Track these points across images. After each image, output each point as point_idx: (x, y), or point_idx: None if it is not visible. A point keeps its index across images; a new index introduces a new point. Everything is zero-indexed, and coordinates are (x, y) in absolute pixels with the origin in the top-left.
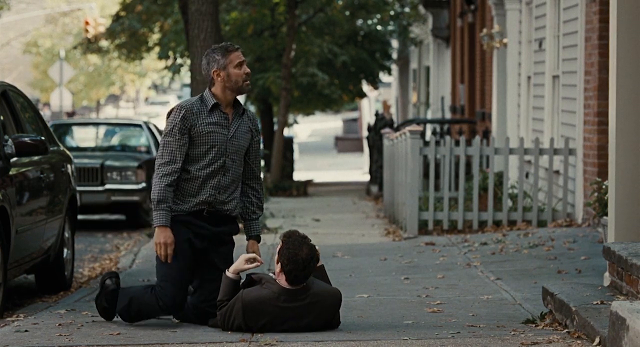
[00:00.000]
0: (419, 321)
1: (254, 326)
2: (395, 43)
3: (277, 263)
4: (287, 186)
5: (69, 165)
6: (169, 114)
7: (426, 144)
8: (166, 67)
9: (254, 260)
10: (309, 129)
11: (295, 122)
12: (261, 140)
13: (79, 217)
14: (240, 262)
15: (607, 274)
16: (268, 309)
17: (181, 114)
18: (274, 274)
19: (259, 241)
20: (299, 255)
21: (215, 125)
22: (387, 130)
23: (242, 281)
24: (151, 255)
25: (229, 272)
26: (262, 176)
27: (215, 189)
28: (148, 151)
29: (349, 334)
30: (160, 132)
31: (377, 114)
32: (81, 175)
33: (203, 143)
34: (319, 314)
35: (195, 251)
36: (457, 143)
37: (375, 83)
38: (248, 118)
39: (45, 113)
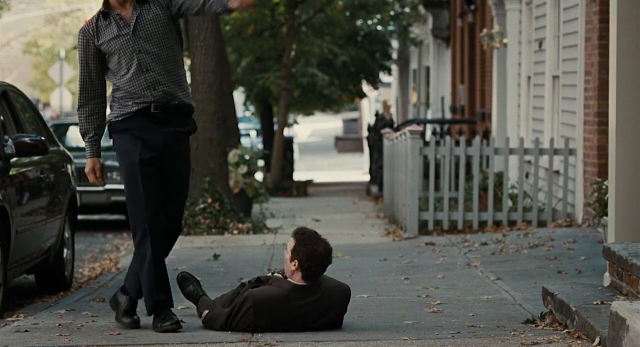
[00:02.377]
0: (419, 321)
1: (263, 325)
2: (395, 43)
3: (292, 261)
4: (287, 186)
5: (69, 166)
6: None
7: (426, 144)
8: None
9: None
10: (309, 129)
11: (295, 122)
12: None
13: (79, 217)
14: None
15: (607, 274)
16: (279, 306)
17: (82, 40)
18: (279, 274)
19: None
20: (317, 250)
21: (113, 31)
22: (387, 130)
23: (247, 280)
24: None
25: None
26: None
27: (148, 89)
28: None
29: (349, 334)
30: None
31: (377, 114)
32: (81, 175)
33: (111, 54)
34: (328, 308)
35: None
36: (457, 143)
37: (375, 83)
38: None
39: (46, 114)
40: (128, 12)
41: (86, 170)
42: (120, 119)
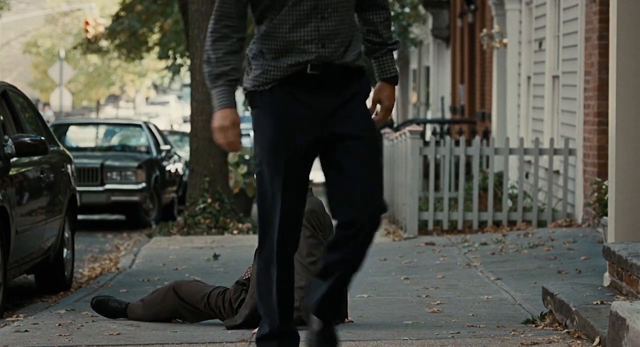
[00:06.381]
0: (419, 321)
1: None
2: None
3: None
4: None
5: (69, 165)
6: None
7: (426, 144)
8: (166, 67)
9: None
10: None
11: None
12: None
13: (79, 217)
14: None
15: (607, 274)
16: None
17: None
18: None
19: (395, 83)
20: None
21: None
22: (387, 130)
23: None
24: (151, 255)
25: None
26: None
27: (315, 42)
28: (148, 151)
29: (349, 334)
30: (160, 132)
31: (377, 114)
32: (81, 175)
33: None
34: None
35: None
36: (457, 143)
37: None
38: None
39: (46, 113)
40: None
41: (222, 124)
42: (266, 88)
